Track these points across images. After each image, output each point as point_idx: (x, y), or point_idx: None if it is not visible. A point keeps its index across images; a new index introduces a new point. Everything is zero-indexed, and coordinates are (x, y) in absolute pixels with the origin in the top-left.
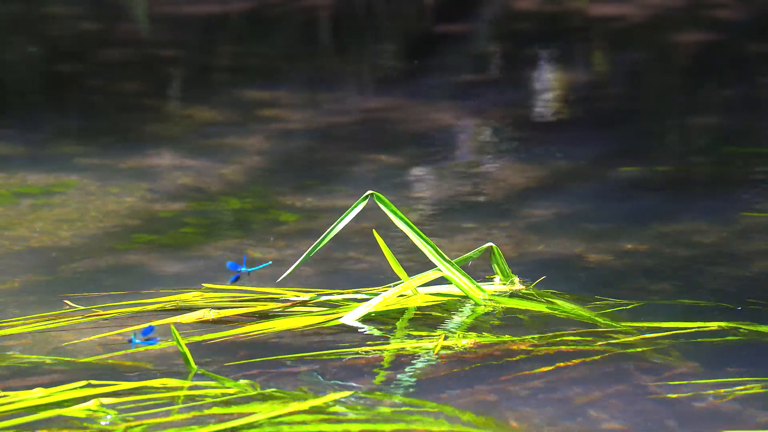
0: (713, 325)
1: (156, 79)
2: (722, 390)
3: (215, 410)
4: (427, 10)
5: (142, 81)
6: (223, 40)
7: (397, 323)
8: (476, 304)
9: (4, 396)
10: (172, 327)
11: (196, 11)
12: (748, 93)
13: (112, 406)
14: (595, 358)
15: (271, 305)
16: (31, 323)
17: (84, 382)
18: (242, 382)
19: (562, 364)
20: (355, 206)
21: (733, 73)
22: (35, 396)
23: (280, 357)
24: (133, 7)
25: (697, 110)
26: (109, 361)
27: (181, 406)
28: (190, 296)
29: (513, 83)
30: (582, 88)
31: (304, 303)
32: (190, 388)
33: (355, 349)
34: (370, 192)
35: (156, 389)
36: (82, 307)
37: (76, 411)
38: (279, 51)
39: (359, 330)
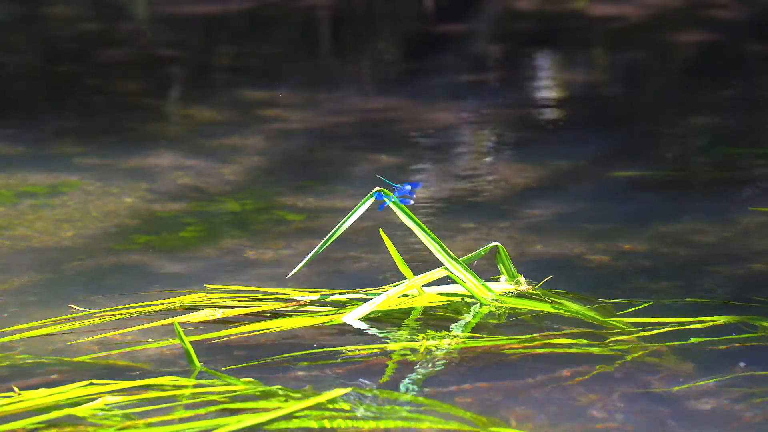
0: (714, 322)
1: (156, 79)
2: (723, 389)
3: (219, 407)
4: (427, 10)
5: (142, 81)
6: (223, 40)
7: (402, 323)
8: (482, 304)
9: (13, 396)
10: (177, 326)
11: (196, 11)
12: (748, 93)
13: (118, 405)
14: (598, 357)
15: (274, 305)
16: (34, 327)
17: (87, 382)
18: (246, 380)
19: (564, 363)
20: (364, 202)
21: (733, 73)
22: (42, 396)
23: (283, 355)
24: (133, 7)
25: (697, 110)
26: (110, 361)
27: (186, 402)
28: (195, 296)
29: (513, 83)
30: (582, 88)
31: (308, 303)
32: (194, 386)
33: (359, 349)
34: (377, 189)
35: (160, 387)
36: (92, 311)
37: (83, 410)
38: (279, 51)
39: (364, 330)
